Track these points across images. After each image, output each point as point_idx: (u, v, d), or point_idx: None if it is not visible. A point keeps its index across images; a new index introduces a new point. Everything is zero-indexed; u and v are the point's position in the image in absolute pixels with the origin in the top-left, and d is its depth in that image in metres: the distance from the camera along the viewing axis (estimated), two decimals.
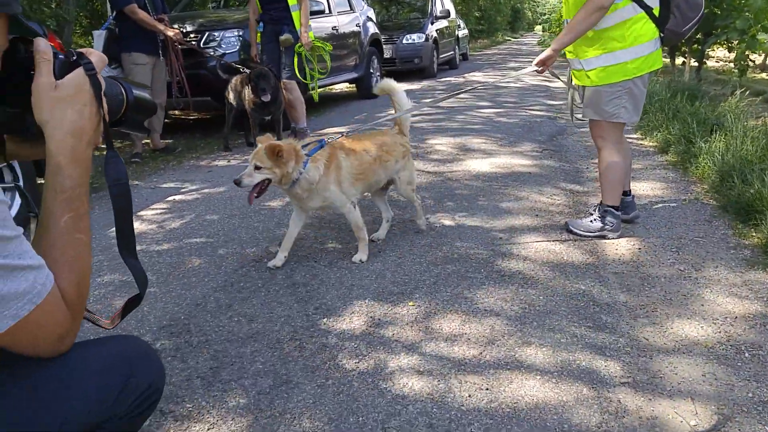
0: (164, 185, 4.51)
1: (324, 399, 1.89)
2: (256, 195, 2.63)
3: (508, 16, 38.60)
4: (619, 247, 3.22)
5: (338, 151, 2.89)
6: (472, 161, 5.15)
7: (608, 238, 3.29)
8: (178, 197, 4.14)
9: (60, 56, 0.99)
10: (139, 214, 3.80)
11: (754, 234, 3.20)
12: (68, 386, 1.02)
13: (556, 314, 2.48)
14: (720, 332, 2.29)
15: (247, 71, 5.48)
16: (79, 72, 1.00)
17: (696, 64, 9.94)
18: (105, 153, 1.09)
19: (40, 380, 1.00)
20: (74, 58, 1.01)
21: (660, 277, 2.79)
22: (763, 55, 11.59)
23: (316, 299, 2.58)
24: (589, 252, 3.15)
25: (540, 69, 3.14)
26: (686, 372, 2.05)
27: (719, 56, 13.28)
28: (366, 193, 3.29)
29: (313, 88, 6.27)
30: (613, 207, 3.28)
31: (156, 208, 3.90)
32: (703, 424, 1.80)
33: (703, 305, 2.53)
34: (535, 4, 61.08)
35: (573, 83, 3.46)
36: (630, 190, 3.53)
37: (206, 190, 4.29)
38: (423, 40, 12.89)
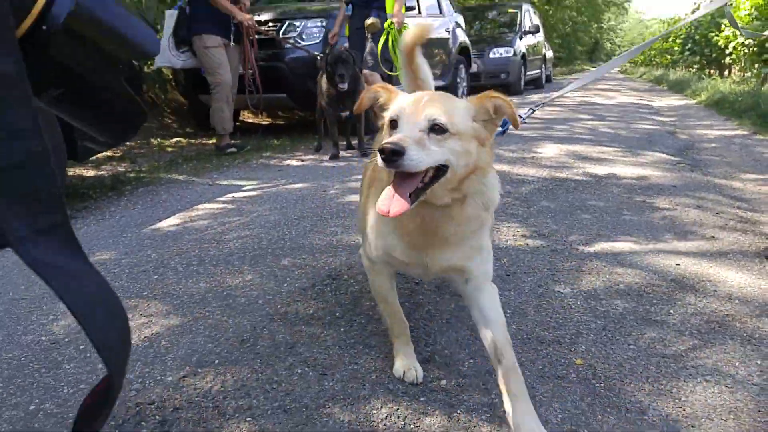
0: (224, 182, 3.77)
1: None
2: (411, 195, 1.11)
3: (589, 46, 36.98)
4: None
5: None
6: (593, 167, 4.11)
7: None
8: (239, 195, 3.37)
9: None
10: (185, 214, 3.03)
11: None
12: None
13: None
14: None
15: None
16: None
17: None
18: None
19: None
20: None
21: None
22: None
23: (423, 344, 1.65)
24: None
25: None
26: None
27: None
28: None
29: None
30: None
31: (207, 207, 3.13)
32: None
33: None
34: (614, 35, 60.07)
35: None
36: None
37: (274, 189, 3.50)
38: (511, 54, 12.00)
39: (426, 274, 1.40)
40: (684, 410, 1.35)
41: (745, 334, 1.72)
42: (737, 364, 1.56)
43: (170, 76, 6.80)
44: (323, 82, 4.47)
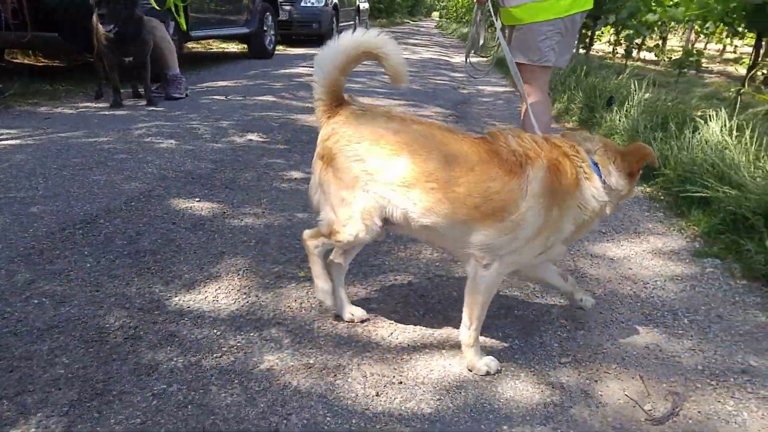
0: None
1: (162, 415, 1.25)
2: None
3: (410, 0, 38.57)
4: None
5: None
6: None
7: None
8: None
9: None
10: None
11: (662, 198, 3.06)
12: None
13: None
14: (653, 297, 2.00)
15: None
16: None
17: (583, 50, 10.32)
18: None
19: None
20: None
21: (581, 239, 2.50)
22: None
23: (167, 271, 1.89)
24: None
25: None
26: (628, 346, 1.71)
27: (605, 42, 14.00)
28: None
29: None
30: None
31: None
32: (658, 409, 1.44)
33: (631, 268, 2.24)
34: None
35: (479, 21, 3.07)
36: None
37: (37, 138, 3.30)
38: (322, 4, 12.22)
39: None
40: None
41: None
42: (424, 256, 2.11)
43: None
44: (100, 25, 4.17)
